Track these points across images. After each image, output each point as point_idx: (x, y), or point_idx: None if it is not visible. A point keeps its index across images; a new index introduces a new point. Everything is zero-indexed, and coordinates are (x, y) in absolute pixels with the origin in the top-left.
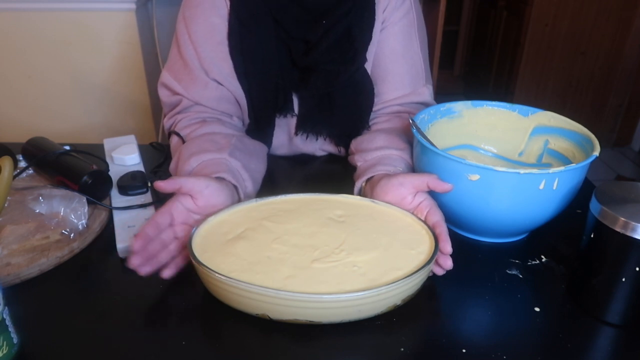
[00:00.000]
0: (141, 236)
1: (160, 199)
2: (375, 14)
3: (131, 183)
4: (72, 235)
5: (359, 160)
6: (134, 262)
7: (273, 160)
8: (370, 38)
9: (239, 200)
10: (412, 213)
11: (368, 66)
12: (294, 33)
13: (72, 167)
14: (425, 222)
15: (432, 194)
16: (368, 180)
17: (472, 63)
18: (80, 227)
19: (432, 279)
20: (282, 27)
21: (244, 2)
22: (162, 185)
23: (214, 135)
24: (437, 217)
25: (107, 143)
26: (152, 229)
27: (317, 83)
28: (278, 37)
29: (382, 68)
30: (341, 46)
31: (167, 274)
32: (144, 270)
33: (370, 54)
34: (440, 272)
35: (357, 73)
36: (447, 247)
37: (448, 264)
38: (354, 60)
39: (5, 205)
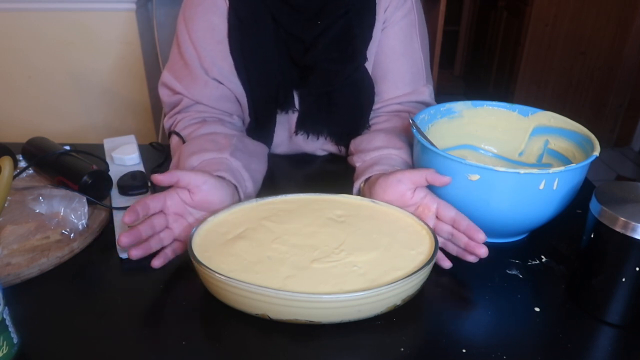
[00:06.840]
0: (131, 211)
1: None
2: (377, 14)
3: (131, 183)
4: (72, 235)
5: (358, 161)
6: (124, 241)
7: (273, 160)
8: (370, 37)
9: (239, 200)
10: (415, 212)
11: (369, 65)
12: (292, 32)
13: (72, 167)
14: (425, 222)
15: (432, 191)
16: (366, 180)
17: (472, 63)
18: (80, 227)
19: (432, 279)
20: (281, 27)
21: (243, 1)
22: (160, 177)
23: (215, 135)
24: (453, 212)
25: (107, 143)
26: (141, 207)
27: (316, 82)
28: (277, 37)
29: (383, 67)
30: (340, 45)
31: (156, 263)
32: (135, 253)
33: (371, 53)
34: (474, 259)
35: (357, 72)
36: (481, 235)
37: (483, 251)
38: (353, 59)
39: (5, 205)
